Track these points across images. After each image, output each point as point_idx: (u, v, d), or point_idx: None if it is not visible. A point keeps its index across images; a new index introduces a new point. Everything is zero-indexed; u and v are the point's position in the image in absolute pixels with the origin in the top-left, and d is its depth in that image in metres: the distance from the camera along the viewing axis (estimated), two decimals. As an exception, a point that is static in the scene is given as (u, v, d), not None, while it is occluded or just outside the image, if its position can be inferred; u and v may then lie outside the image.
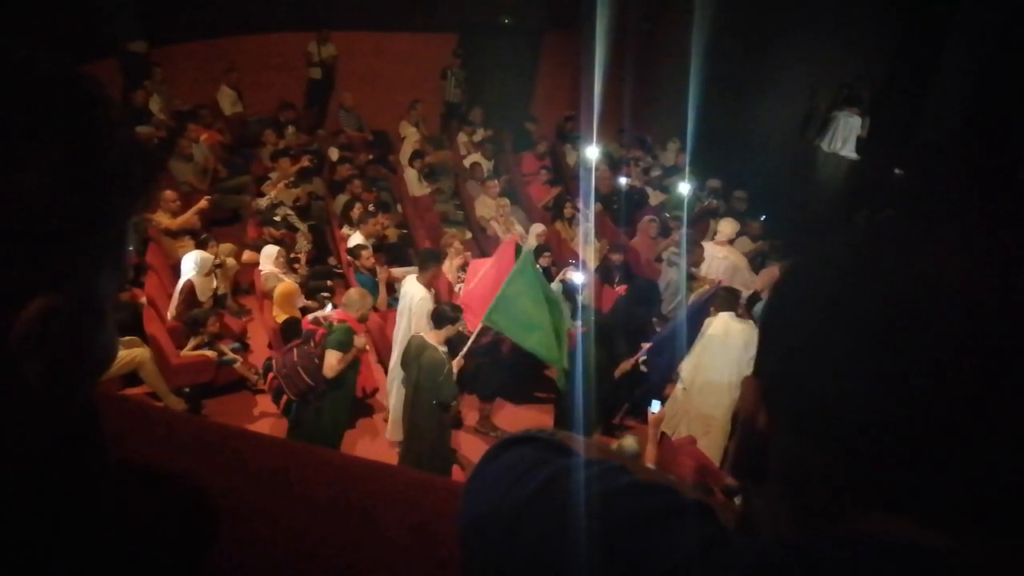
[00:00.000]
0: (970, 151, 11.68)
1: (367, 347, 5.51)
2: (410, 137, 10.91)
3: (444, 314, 5.26)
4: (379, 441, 6.28)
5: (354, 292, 5.56)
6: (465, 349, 5.47)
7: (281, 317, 6.37)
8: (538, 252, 8.17)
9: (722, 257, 8.10)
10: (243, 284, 7.73)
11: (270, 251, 6.95)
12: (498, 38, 12.97)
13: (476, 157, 10.88)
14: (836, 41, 12.03)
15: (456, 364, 5.27)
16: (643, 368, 6.15)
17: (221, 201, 8.60)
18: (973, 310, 0.52)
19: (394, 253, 8.28)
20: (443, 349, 5.22)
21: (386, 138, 11.63)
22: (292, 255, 7.34)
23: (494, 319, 5.48)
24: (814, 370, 0.56)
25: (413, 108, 11.45)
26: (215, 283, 6.81)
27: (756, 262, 8.72)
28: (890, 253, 0.57)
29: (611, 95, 11.47)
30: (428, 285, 6.07)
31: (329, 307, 6.68)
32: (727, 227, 8.22)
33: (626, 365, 6.14)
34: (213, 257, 6.81)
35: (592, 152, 10.29)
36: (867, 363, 0.54)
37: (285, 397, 5.10)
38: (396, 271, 7.93)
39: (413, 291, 5.98)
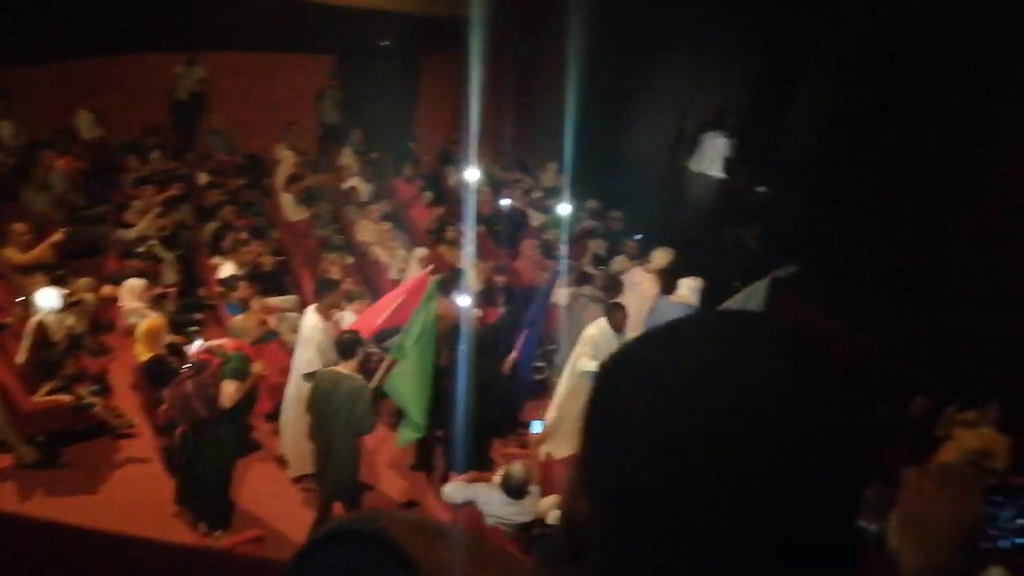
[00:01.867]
0: (826, 170, 12.48)
1: (264, 372, 5.37)
2: (286, 160, 10.61)
3: (347, 343, 5.16)
4: (269, 467, 6.18)
5: (240, 319, 5.52)
6: (375, 381, 5.50)
7: (145, 355, 6.02)
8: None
9: (637, 282, 8.13)
10: (103, 321, 7.27)
11: (133, 285, 6.57)
12: (377, 60, 12.86)
13: (355, 181, 10.72)
14: (705, 66, 12.63)
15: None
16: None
17: (79, 232, 8.07)
18: (767, 408, 0.57)
19: (270, 282, 8.01)
20: (359, 377, 5.17)
21: (260, 162, 11.28)
22: (157, 288, 6.96)
23: (397, 354, 5.68)
24: (624, 458, 0.60)
25: (289, 130, 11.17)
26: (71, 321, 6.36)
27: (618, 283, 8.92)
28: (693, 353, 0.61)
29: (491, 117, 11.60)
30: (324, 315, 5.92)
31: (199, 341, 6.40)
32: (661, 256, 8.22)
33: (512, 357, 6.38)
34: (67, 292, 6.38)
35: (473, 174, 10.34)
36: (669, 453, 0.58)
37: (179, 430, 4.99)
38: (271, 301, 7.69)
39: (310, 320, 5.86)
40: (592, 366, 6.30)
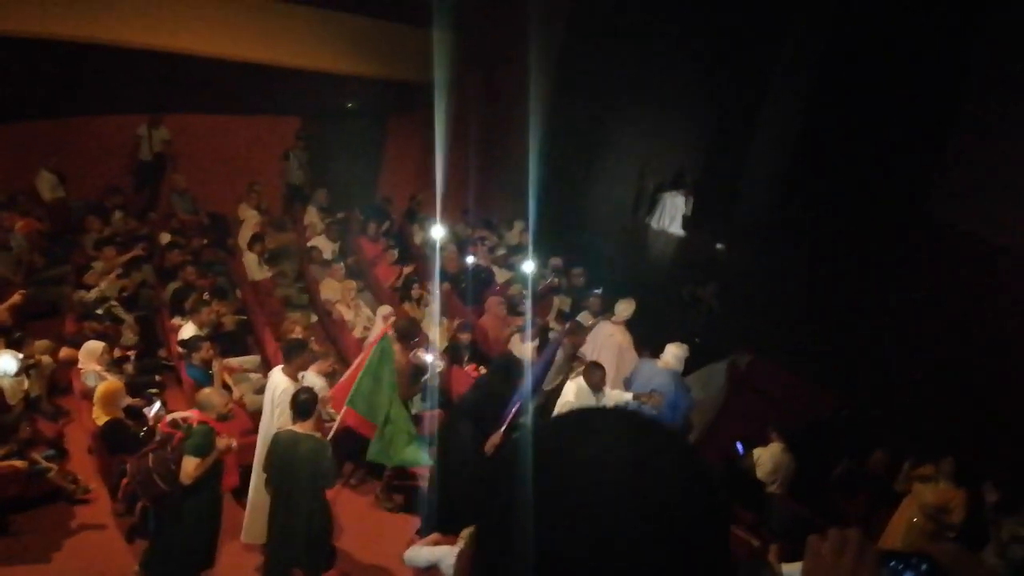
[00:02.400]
0: (778, 228, 12.85)
1: (232, 445, 5.19)
2: (249, 220, 10.61)
3: (304, 402, 5.08)
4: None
5: (208, 393, 5.35)
6: (331, 435, 5.54)
7: (102, 419, 5.90)
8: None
9: (608, 335, 8.27)
10: (60, 383, 7.12)
11: (92, 347, 6.46)
12: (342, 121, 13.02)
13: (320, 240, 10.75)
14: (663, 126, 13.03)
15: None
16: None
17: (38, 294, 7.95)
18: (624, 497, 0.71)
19: (231, 342, 7.94)
20: (318, 435, 5.13)
21: (223, 220, 11.27)
22: (116, 350, 6.86)
23: (355, 402, 5.82)
24: (504, 538, 0.74)
25: (252, 190, 11.20)
26: (27, 384, 6.24)
27: (583, 329, 9.00)
28: (563, 446, 0.76)
29: (456, 176, 11.78)
30: (293, 376, 5.80)
31: (158, 404, 6.32)
32: (624, 308, 8.34)
33: (495, 438, 6.20)
34: (24, 356, 6.27)
35: (438, 232, 10.45)
36: (548, 530, 0.71)
37: (140, 504, 4.89)
38: (233, 362, 7.62)
39: (277, 381, 5.72)
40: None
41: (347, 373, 6.79)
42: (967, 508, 6.04)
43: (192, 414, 5.06)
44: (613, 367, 7.28)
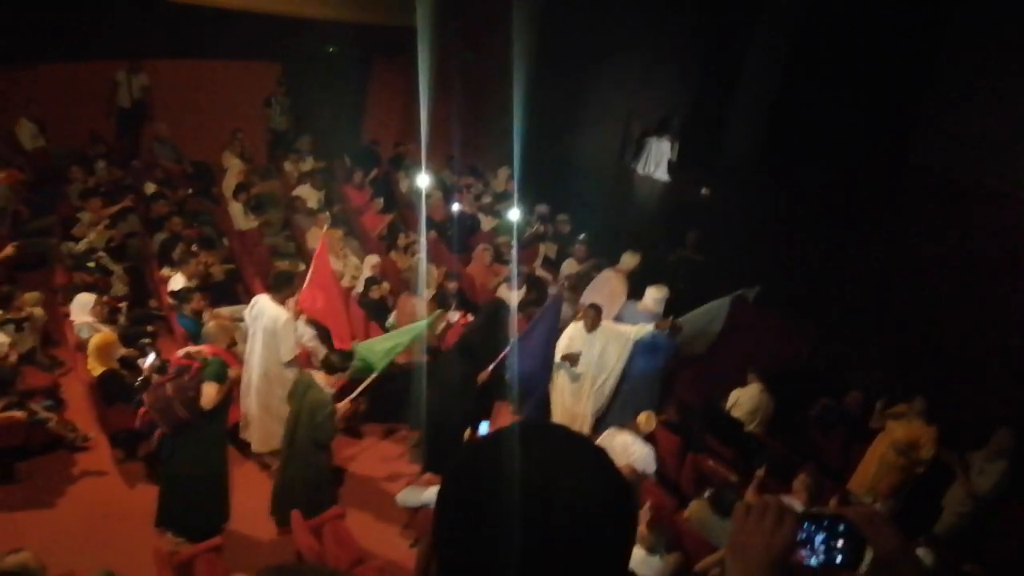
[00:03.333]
0: (761, 173, 12.94)
1: (241, 375, 5.60)
2: (233, 168, 10.56)
3: (332, 364, 5.46)
4: (249, 465, 6.35)
5: (212, 326, 5.65)
6: (355, 394, 5.79)
7: (98, 370, 6.01)
8: (369, 283, 8.30)
9: (606, 280, 8.48)
10: (54, 335, 7.20)
11: (84, 299, 6.53)
12: (324, 66, 12.84)
13: (305, 188, 10.73)
14: (648, 71, 12.95)
15: (343, 407, 5.57)
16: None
17: (26, 245, 7.95)
18: (550, 502, 0.88)
19: (221, 292, 8.01)
20: (329, 390, 5.41)
21: (208, 169, 11.19)
22: (106, 300, 6.92)
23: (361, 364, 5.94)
24: (454, 533, 0.93)
25: (235, 138, 11.12)
26: (8, 338, 6.27)
27: (583, 282, 9.17)
28: (502, 463, 0.94)
29: (441, 123, 11.72)
30: (281, 303, 6.03)
31: (152, 355, 6.41)
32: (628, 259, 8.50)
33: (484, 375, 6.52)
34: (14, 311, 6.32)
35: (423, 180, 10.45)
36: (471, 533, 0.90)
37: (159, 432, 5.09)
38: (223, 311, 7.70)
39: (272, 312, 5.93)
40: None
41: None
42: (936, 444, 6.30)
43: (204, 347, 5.30)
44: (607, 312, 7.52)
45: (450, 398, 6.33)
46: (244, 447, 6.41)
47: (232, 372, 5.27)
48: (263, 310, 5.99)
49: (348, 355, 5.73)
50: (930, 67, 14.24)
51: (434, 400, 6.39)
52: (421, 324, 6.50)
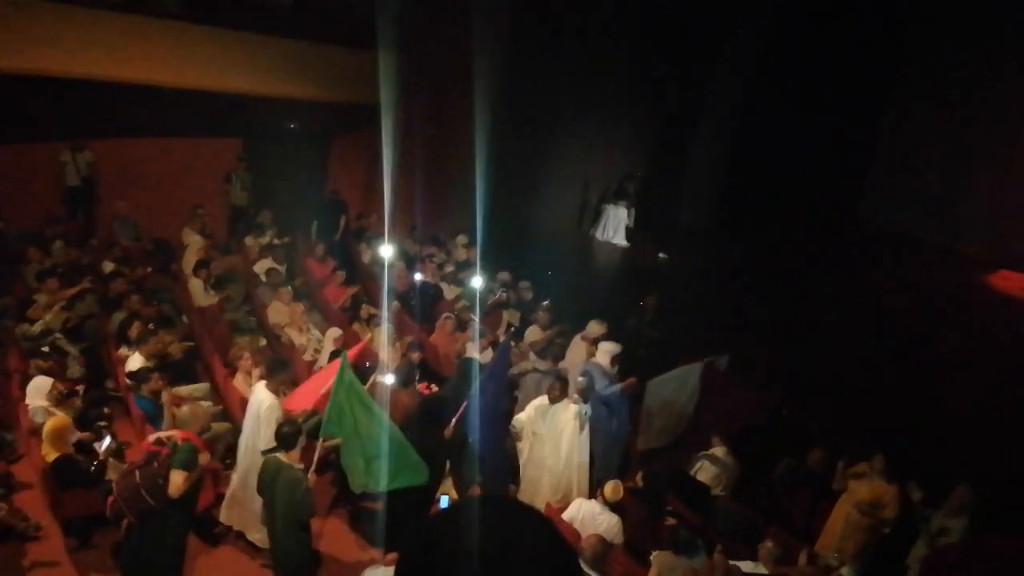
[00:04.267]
0: (716, 234, 13.29)
1: (211, 462, 5.57)
2: (193, 245, 10.54)
3: (287, 435, 5.34)
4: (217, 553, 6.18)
5: (187, 410, 5.63)
6: (313, 466, 5.60)
7: (52, 455, 5.85)
8: (334, 356, 8.22)
9: (573, 347, 8.67)
10: (6, 420, 7.00)
11: (40, 383, 6.41)
12: (285, 141, 13.00)
13: (267, 262, 10.72)
14: (603, 140, 13.34)
15: (311, 479, 5.41)
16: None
17: (-23, 328, 7.81)
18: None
19: (179, 370, 7.90)
20: (299, 467, 5.33)
21: (168, 247, 11.14)
22: (61, 384, 6.78)
23: (330, 430, 5.78)
24: None
25: (196, 214, 11.12)
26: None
27: (548, 350, 9.21)
28: (443, 535, 1.01)
29: (403, 194, 11.87)
30: (276, 392, 6.09)
31: (108, 438, 6.29)
32: (594, 327, 8.58)
33: (448, 430, 6.62)
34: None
35: (386, 250, 10.51)
36: None
37: (126, 520, 5.01)
38: (181, 390, 7.58)
39: (261, 397, 6.02)
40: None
41: (303, 389, 6.77)
42: (899, 503, 6.38)
43: (175, 432, 5.23)
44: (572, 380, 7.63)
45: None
46: (211, 534, 6.30)
47: (202, 458, 5.16)
48: (256, 396, 6.08)
49: (296, 424, 5.57)
50: (878, 125, 14.88)
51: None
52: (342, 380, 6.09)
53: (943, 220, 13.72)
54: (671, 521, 6.31)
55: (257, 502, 5.88)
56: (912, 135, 14.45)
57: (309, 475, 5.39)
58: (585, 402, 7.09)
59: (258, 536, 6.17)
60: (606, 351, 7.72)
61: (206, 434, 5.94)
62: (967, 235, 13.34)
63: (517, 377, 8.66)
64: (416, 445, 6.19)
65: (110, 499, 5.01)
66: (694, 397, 7.71)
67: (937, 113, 13.97)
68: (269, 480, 5.31)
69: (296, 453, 5.37)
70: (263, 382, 6.22)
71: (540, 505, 6.70)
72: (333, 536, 6.78)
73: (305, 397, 6.46)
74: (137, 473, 4.91)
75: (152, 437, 5.29)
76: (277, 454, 5.38)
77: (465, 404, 6.77)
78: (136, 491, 4.85)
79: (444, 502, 5.33)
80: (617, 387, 7.21)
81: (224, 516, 6.36)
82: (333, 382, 5.90)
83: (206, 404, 7.63)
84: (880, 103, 14.70)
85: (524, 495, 7.07)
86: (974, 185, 13.32)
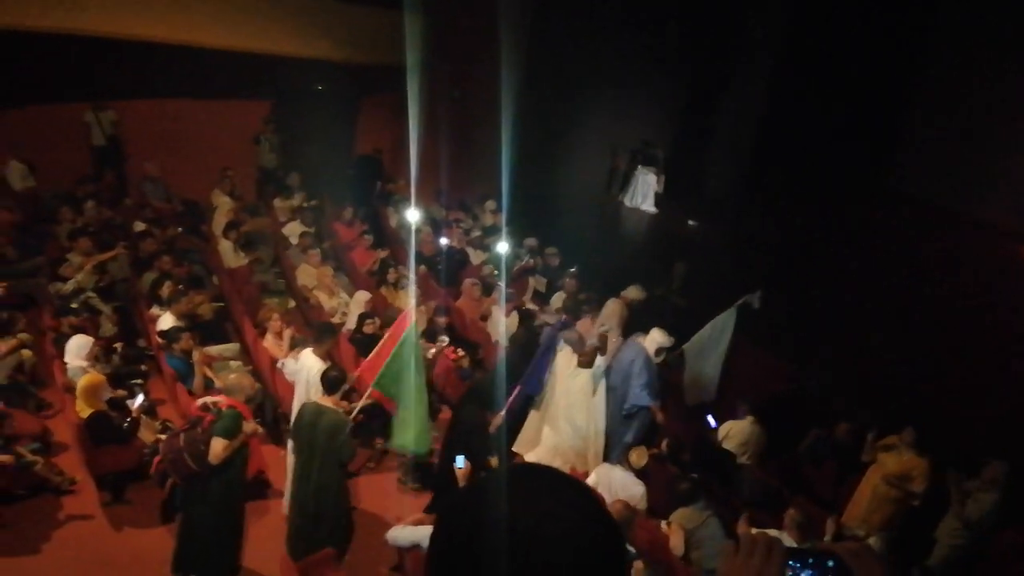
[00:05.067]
0: (747, 203, 13.06)
1: (257, 430, 5.55)
2: (223, 206, 10.60)
3: (333, 379, 5.46)
4: (269, 518, 6.25)
5: (234, 378, 5.64)
6: (358, 407, 5.80)
7: (86, 412, 5.97)
8: (362, 319, 8.28)
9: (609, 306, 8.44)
10: (41, 377, 7.16)
11: (80, 342, 6.49)
12: (313, 104, 12.97)
13: (296, 225, 10.76)
14: (633, 103, 13.12)
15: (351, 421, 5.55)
16: None
17: (13, 286, 7.93)
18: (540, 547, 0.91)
19: (210, 330, 7.99)
20: (341, 410, 5.45)
21: (197, 207, 11.23)
22: (96, 341, 6.89)
23: (383, 384, 5.95)
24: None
25: (225, 176, 11.16)
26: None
27: (572, 315, 9.17)
28: (479, 504, 0.98)
29: (430, 158, 11.81)
30: (324, 357, 6.18)
31: (141, 396, 6.40)
32: (634, 291, 8.40)
33: (497, 420, 6.57)
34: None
35: (413, 215, 10.51)
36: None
37: (171, 481, 5.12)
38: (212, 350, 7.68)
39: (311, 363, 6.10)
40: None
41: (375, 352, 6.83)
42: (929, 476, 6.31)
43: (222, 398, 5.28)
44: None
45: (463, 434, 6.37)
46: (265, 493, 6.44)
47: (247, 426, 5.21)
48: (305, 363, 6.15)
49: (344, 370, 5.76)
50: (914, 94, 14.49)
51: (449, 435, 6.49)
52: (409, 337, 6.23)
53: (978, 192, 13.38)
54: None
55: None
56: (946, 104, 14.05)
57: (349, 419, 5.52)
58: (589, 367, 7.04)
59: None
60: (655, 341, 7.33)
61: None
62: (997, 205, 13.00)
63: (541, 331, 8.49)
64: (467, 425, 6.32)
65: (156, 459, 5.13)
66: (729, 342, 7.54)
67: (967, 80, 13.55)
68: (308, 424, 5.39)
69: (337, 398, 5.47)
70: (310, 348, 6.25)
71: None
72: (353, 486, 6.86)
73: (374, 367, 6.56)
74: (181, 436, 4.99)
75: (199, 402, 5.36)
76: (316, 399, 5.50)
77: (515, 392, 6.73)
78: (179, 454, 4.93)
79: (460, 462, 5.35)
80: (646, 395, 6.96)
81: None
82: (396, 344, 6.01)
83: (235, 365, 7.74)
84: (914, 71, 14.28)
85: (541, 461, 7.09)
86: (1011, 157, 12.94)
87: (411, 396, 6.01)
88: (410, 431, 6.06)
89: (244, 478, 5.38)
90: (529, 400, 7.13)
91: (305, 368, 6.11)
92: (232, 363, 7.77)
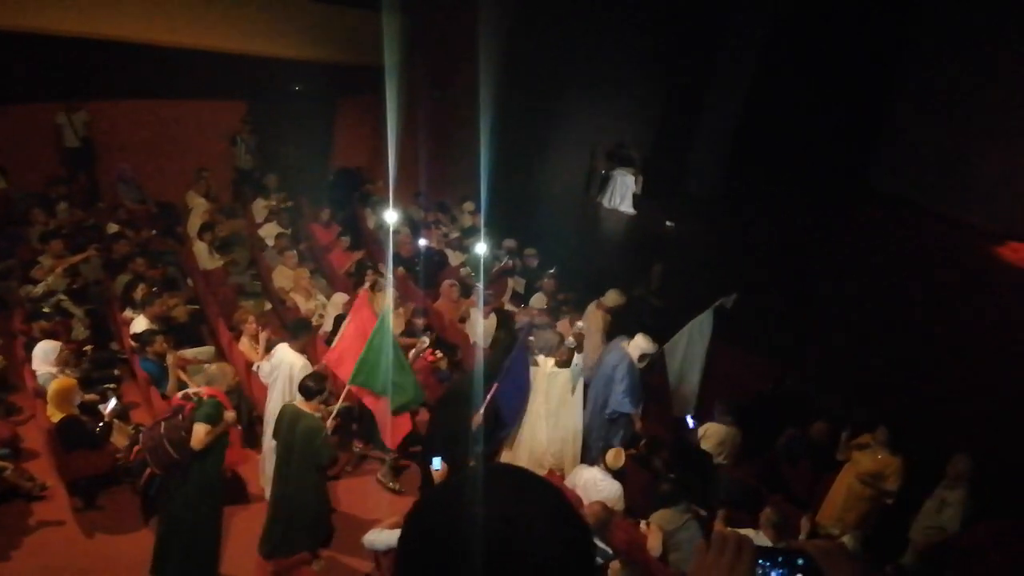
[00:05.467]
0: (727, 202, 13.16)
1: (236, 422, 5.58)
2: (198, 208, 10.50)
3: (308, 388, 5.49)
4: (245, 520, 6.15)
5: (215, 368, 5.74)
6: (335, 409, 5.86)
7: (57, 416, 5.88)
8: (339, 320, 8.22)
9: (588, 314, 8.49)
10: (11, 381, 7.04)
11: (47, 347, 6.42)
12: (290, 104, 12.88)
13: (272, 226, 10.68)
14: (611, 105, 13.16)
15: (329, 425, 5.62)
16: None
17: (-18, 288, 7.82)
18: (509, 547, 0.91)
19: (184, 333, 7.91)
20: (317, 415, 5.50)
21: (172, 209, 11.11)
22: (67, 345, 6.79)
23: (359, 380, 6.04)
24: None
25: (200, 177, 11.06)
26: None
27: (553, 316, 9.18)
28: (450, 504, 0.98)
29: (408, 159, 11.77)
30: (300, 351, 6.23)
31: (113, 400, 6.31)
32: (612, 297, 8.42)
33: (478, 417, 6.50)
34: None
35: (391, 216, 10.45)
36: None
37: (148, 472, 5.14)
38: (186, 353, 7.60)
39: (290, 359, 6.13)
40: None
41: (338, 339, 6.78)
42: (902, 475, 6.37)
43: (203, 388, 5.33)
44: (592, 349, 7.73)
45: (445, 433, 6.42)
46: (239, 493, 6.40)
47: (228, 415, 5.23)
48: (282, 359, 6.15)
49: (322, 377, 5.77)
50: (890, 93, 14.65)
51: (432, 432, 6.58)
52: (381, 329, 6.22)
53: (952, 190, 13.57)
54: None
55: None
56: (923, 102, 14.24)
57: (328, 423, 5.58)
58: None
59: None
60: (639, 347, 7.34)
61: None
62: (976, 206, 13.19)
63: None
64: (446, 427, 6.36)
65: (135, 448, 5.15)
66: (706, 343, 7.57)
67: (947, 81, 13.73)
68: (287, 427, 5.45)
69: (315, 403, 5.51)
70: (286, 344, 6.28)
71: (539, 472, 6.74)
72: (356, 495, 6.85)
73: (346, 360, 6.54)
74: (162, 424, 5.02)
75: (180, 393, 5.42)
76: (295, 402, 5.55)
77: (493, 390, 6.71)
78: (159, 442, 4.95)
79: (436, 464, 5.36)
80: (628, 402, 7.02)
81: (262, 479, 6.47)
82: (371, 335, 6.07)
83: (210, 367, 7.64)
84: (891, 69, 14.45)
85: (519, 462, 7.08)
86: (984, 155, 13.13)
87: (396, 370, 6.12)
88: (408, 391, 6.25)
89: (223, 470, 5.40)
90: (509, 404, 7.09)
91: (284, 363, 6.12)
92: (207, 366, 7.68)
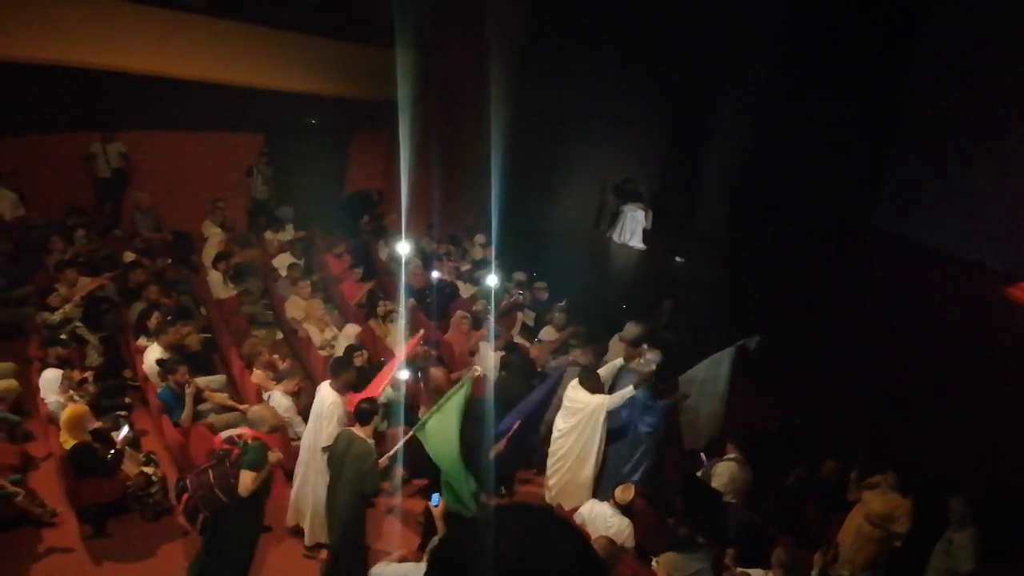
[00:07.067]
0: (733, 238, 13.23)
1: (281, 458, 5.65)
2: (213, 237, 10.63)
3: (365, 411, 5.62)
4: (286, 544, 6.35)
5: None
6: (392, 452, 5.89)
7: (70, 443, 5.92)
8: (350, 351, 8.26)
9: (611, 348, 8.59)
10: (25, 407, 7.10)
11: (51, 377, 6.51)
12: (306, 136, 13.08)
13: (286, 257, 10.78)
14: (623, 139, 13.32)
15: (382, 462, 5.68)
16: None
17: (1, 315, 7.92)
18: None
19: (197, 362, 7.96)
20: (371, 441, 5.57)
21: (188, 239, 11.25)
22: (79, 373, 6.84)
23: (424, 434, 5.85)
24: None
25: (216, 207, 11.20)
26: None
27: (561, 350, 9.22)
28: (468, 542, 1.03)
29: (420, 192, 11.92)
30: (340, 391, 6.19)
31: (126, 428, 6.36)
32: (631, 329, 8.48)
33: (499, 446, 6.48)
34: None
35: (403, 248, 10.54)
36: None
37: (202, 516, 5.19)
38: (199, 381, 7.64)
39: (324, 394, 6.16)
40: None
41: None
42: (912, 517, 6.32)
43: (245, 430, 5.40)
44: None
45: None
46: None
47: (273, 456, 5.30)
48: (320, 395, 6.20)
49: (375, 401, 5.89)
50: (893, 135, 14.75)
51: None
52: (460, 390, 6.15)
53: (957, 230, 13.60)
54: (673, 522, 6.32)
55: (314, 499, 6.08)
56: (928, 143, 14.33)
57: (382, 459, 5.66)
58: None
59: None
60: (649, 361, 7.54)
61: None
62: (981, 246, 13.21)
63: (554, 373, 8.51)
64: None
65: (185, 496, 5.20)
66: (727, 384, 7.59)
67: (953, 121, 13.82)
68: (340, 452, 5.54)
69: (369, 429, 5.61)
70: (327, 382, 6.29)
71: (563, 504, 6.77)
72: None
73: (372, 389, 6.65)
74: (211, 472, 5.11)
75: (224, 434, 5.50)
76: (351, 428, 5.64)
77: (518, 424, 6.69)
78: (210, 490, 5.06)
79: (435, 500, 5.34)
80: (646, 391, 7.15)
81: (289, 516, 6.46)
82: (453, 397, 5.96)
83: (221, 396, 7.71)
84: (896, 109, 14.58)
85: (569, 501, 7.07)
86: (990, 196, 13.17)
87: (454, 461, 5.78)
88: (464, 491, 5.82)
89: (264, 504, 5.51)
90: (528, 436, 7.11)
91: (319, 400, 6.17)
92: (218, 394, 7.73)
